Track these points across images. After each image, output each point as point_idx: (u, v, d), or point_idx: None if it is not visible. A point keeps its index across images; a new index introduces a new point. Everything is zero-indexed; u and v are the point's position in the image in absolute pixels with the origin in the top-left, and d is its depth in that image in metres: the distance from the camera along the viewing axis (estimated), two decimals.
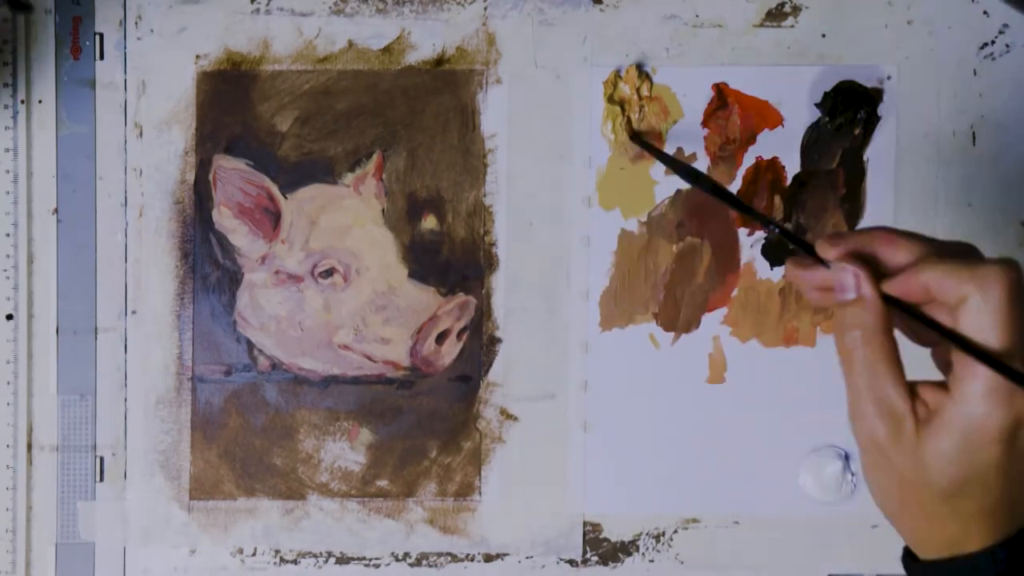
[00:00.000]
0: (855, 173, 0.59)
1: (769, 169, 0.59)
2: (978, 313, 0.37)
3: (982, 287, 0.37)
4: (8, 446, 0.59)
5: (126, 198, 0.60)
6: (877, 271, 0.39)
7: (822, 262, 0.40)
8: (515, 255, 0.60)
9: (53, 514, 0.59)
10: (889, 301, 0.39)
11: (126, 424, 0.59)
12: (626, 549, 0.60)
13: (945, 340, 0.38)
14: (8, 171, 0.59)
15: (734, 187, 0.59)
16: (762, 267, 0.60)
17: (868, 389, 0.39)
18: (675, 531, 0.60)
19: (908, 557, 0.41)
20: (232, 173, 0.60)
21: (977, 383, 0.36)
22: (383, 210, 0.59)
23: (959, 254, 0.39)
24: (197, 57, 0.59)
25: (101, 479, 0.59)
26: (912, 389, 0.39)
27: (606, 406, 0.59)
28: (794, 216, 0.59)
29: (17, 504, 0.59)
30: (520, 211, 0.60)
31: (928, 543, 0.40)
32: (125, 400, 0.59)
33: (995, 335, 0.36)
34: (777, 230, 0.43)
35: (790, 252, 0.59)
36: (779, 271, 0.60)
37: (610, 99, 0.59)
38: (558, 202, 0.60)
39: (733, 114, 0.59)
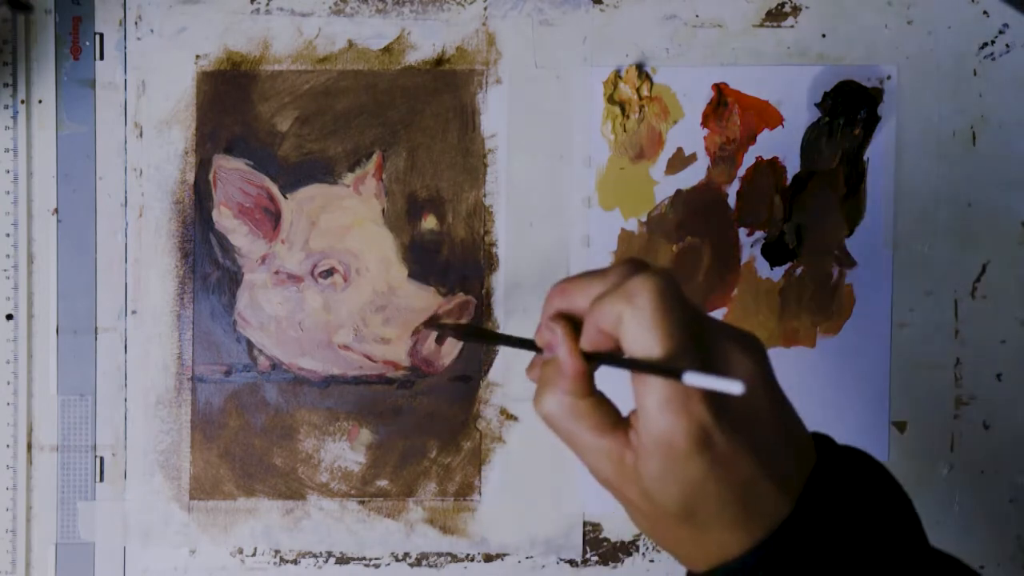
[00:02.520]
0: (855, 173, 0.59)
1: (769, 169, 0.59)
2: (632, 327, 0.36)
3: (631, 302, 0.37)
4: (8, 446, 0.59)
5: (126, 198, 0.60)
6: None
7: (535, 348, 0.41)
8: (515, 255, 0.60)
9: (53, 514, 0.59)
10: (587, 356, 0.39)
11: (126, 424, 0.59)
12: (626, 549, 0.60)
13: (631, 369, 0.37)
14: (8, 171, 0.59)
15: (734, 187, 0.59)
16: (762, 267, 0.60)
17: (578, 445, 0.39)
18: None
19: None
20: (232, 173, 0.60)
21: (651, 398, 0.36)
22: (383, 210, 0.59)
23: (625, 276, 0.38)
24: (197, 57, 0.59)
25: (101, 479, 0.59)
26: (628, 421, 0.38)
27: None
28: (794, 216, 0.59)
29: (17, 504, 0.59)
30: (520, 211, 0.60)
31: (696, 560, 0.39)
32: (125, 400, 0.60)
33: (654, 342, 0.36)
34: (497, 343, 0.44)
35: (791, 251, 0.59)
36: (779, 271, 0.60)
37: (610, 99, 0.59)
38: (558, 202, 0.60)
39: (733, 114, 0.59)
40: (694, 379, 0.35)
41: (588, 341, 0.39)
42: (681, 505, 0.37)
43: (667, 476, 0.37)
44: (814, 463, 0.39)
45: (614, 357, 0.38)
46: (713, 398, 0.36)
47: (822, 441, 0.40)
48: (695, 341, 0.37)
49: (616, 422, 0.38)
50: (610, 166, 0.59)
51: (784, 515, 0.37)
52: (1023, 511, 0.60)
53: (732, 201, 0.59)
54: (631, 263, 0.39)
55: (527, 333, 0.59)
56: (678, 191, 0.60)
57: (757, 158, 0.59)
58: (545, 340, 0.40)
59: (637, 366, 0.37)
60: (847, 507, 0.38)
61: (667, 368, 0.36)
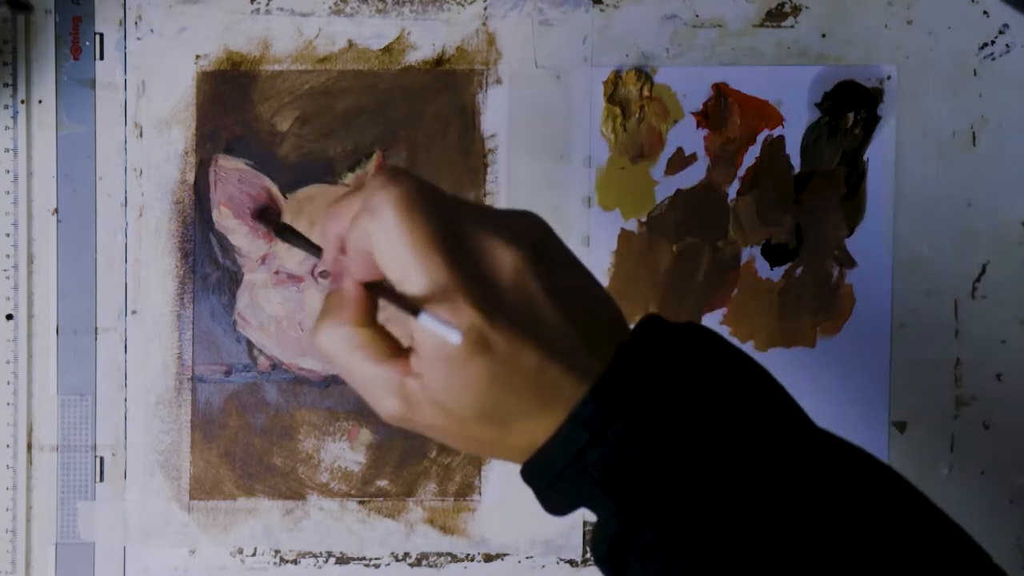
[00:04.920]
0: (855, 173, 0.59)
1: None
2: (380, 244, 0.35)
3: (373, 216, 0.35)
4: (8, 446, 0.59)
5: (126, 198, 0.60)
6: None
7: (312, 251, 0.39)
8: None
9: (53, 514, 0.59)
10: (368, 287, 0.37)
11: (126, 424, 0.59)
12: None
13: (396, 306, 0.36)
14: (8, 171, 0.59)
15: (734, 187, 0.59)
16: (762, 267, 0.60)
17: (357, 378, 0.38)
18: None
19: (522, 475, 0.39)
20: (232, 173, 0.60)
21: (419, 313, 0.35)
22: None
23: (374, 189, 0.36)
24: (197, 57, 0.59)
25: (101, 479, 0.59)
26: (399, 346, 0.37)
27: None
28: (794, 217, 0.59)
29: (17, 504, 0.59)
30: None
31: (514, 455, 0.38)
32: (125, 400, 0.60)
33: (404, 257, 0.35)
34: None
35: (791, 252, 0.59)
36: (779, 271, 0.60)
37: (610, 99, 0.59)
38: (558, 202, 0.60)
39: (733, 114, 0.59)
40: (426, 322, 0.34)
41: (355, 266, 0.37)
42: (476, 408, 0.36)
43: (453, 385, 0.36)
44: (625, 339, 0.38)
45: (383, 287, 0.36)
46: (484, 297, 0.35)
47: (648, 322, 0.38)
48: (456, 246, 0.35)
49: (396, 351, 0.37)
50: (610, 166, 0.59)
51: (581, 394, 0.36)
52: (1023, 511, 0.60)
53: (732, 201, 0.59)
54: (382, 173, 0.36)
55: None
56: (678, 191, 0.60)
57: (757, 158, 0.59)
58: (329, 268, 0.38)
59: (390, 296, 0.35)
60: (658, 376, 0.36)
61: (409, 304, 0.35)
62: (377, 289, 0.37)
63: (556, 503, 0.39)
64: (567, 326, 0.37)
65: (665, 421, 0.36)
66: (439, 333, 0.34)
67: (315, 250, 0.41)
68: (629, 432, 0.36)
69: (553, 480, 0.37)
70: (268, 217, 0.47)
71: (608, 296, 0.39)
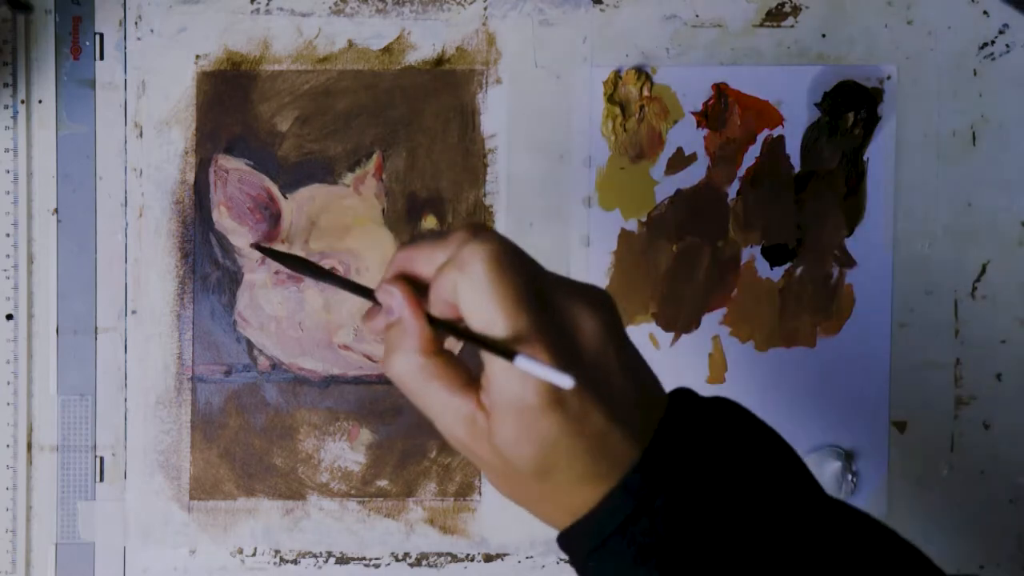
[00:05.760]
0: (855, 173, 0.59)
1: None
2: (468, 297, 0.36)
3: (463, 271, 0.36)
4: (8, 446, 0.59)
5: (126, 198, 0.60)
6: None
7: (372, 298, 0.40)
8: None
9: (53, 514, 0.59)
10: (432, 320, 0.38)
11: (126, 424, 0.59)
12: None
13: (477, 346, 0.37)
14: (8, 171, 0.59)
15: (734, 187, 0.59)
16: (762, 267, 0.60)
17: (429, 405, 0.38)
18: None
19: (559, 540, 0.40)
20: (232, 173, 0.60)
21: (499, 362, 0.36)
22: (383, 210, 0.59)
23: (462, 242, 0.37)
24: (197, 57, 0.59)
25: (101, 479, 0.59)
26: (479, 382, 0.38)
27: None
28: (794, 217, 0.59)
29: (17, 504, 0.59)
30: (520, 211, 0.60)
31: (555, 517, 0.39)
32: (125, 400, 0.60)
33: (490, 311, 0.36)
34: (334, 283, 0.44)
35: (791, 252, 0.59)
36: (779, 271, 0.60)
37: (610, 99, 0.59)
38: (558, 202, 0.60)
39: (733, 114, 0.59)
40: (525, 364, 0.35)
41: (434, 310, 0.38)
42: (535, 464, 0.37)
43: (520, 436, 0.36)
44: (663, 413, 0.39)
45: (456, 328, 0.38)
46: (562, 355, 0.36)
47: (681, 395, 0.40)
48: (538, 304, 0.36)
49: (467, 382, 0.38)
50: (610, 166, 0.60)
51: (633, 462, 0.37)
52: (1023, 511, 0.60)
53: (732, 201, 0.60)
54: (468, 228, 0.38)
55: None
56: (678, 191, 0.60)
57: (757, 158, 0.59)
58: (386, 303, 0.39)
59: (476, 340, 0.36)
60: (696, 451, 0.38)
61: (501, 348, 0.35)
62: (448, 326, 0.38)
63: (594, 571, 0.39)
64: (632, 396, 0.38)
65: (702, 495, 0.37)
66: (542, 375, 0.35)
67: (358, 290, 0.42)
68: (671, 505, 0.37)
69: (597, 546, 0.38)
70: (306, 265, 0.48)
71: (654, 375, 0.40)
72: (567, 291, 0.38)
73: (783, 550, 0.38)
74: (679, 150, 0.59)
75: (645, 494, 0.37)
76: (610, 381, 0.37)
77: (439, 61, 0.59)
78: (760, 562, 0.37)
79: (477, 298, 0.36)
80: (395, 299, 0.38)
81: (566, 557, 0.40)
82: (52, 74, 0.59)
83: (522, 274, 0.37)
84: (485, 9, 0.59)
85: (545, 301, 0.37)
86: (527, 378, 0.35)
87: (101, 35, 0.59)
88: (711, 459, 0.38)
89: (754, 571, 0.37)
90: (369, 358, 0.59)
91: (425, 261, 0.39)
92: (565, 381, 0.35)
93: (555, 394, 0.36)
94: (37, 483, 0.59)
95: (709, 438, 0.38)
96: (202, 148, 0.59)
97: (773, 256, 0.60)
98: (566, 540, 0.39)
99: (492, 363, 0.36)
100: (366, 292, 0.41)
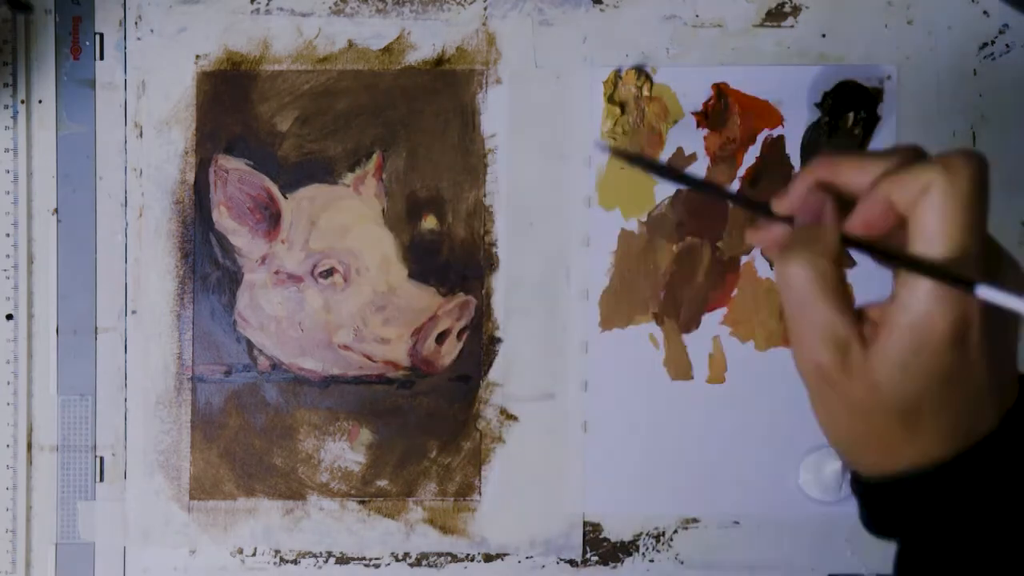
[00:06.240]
0: None
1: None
2: (939, 203, 0.34)
3: (948, 173, 0.34)
4: (8, 446, 0.59)
5: (126, 198, 0.60)
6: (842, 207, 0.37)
7: (783, 218, 0.38)
8: (515, 255, 0.60)
9: (53, 514, 0.59)
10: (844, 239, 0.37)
11: (126, 424, 0.59)
12: (626, 549, 0.60)
13: (900, 267, 0.35)
14: (8, 171, 0.59)
15: (734, 187, 0.59)
16: (762, 267, 0.60)
17: (810, 317, 0.37)
18: (675, 531, 0.60)
19: (856, 481, 0.39)
20: (232, 173, 0.60)
21: (923, 281, 0.34)
22: (383, 210, 0.59)
23: (913, 157, 0.36)
24: (197, 57, 0.59)
25: (101, 479, 0.59)
26: (859, 314, 0.37)
27: (606, 406, 0.59)
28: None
29: (17, 504, 0.59)
30: (520, 211, 0.60)
31: (883, 462, 0.37)
32: (125, 400, 0.60)
33: (956, 230, 0.34)
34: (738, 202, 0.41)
35: None
36: None
37: (610, 99, 0.59)
38: (558, 202, 0.60)
39: (733, 114, 0.59)
40: (988, 293, 0.33)
41: (861, 219, 0.36)
42: (912, 401, 0.35)
43: (910, 366, 0.35)
44: (1015, 399, 0.37)
45: (886, 248, 0.36)
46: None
47: None
48: (986, 243, 0.35)
49: (853, 308, 0.36)
50: (610, 166, 0.59)
51: (985, 432, 0.36)
52: None
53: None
54: (913, 148, 0.36)
55: (530, 333, 0.59)
56: (678, 191, 0.60)
57: (757, 158, 0.59)
58: (808, 206, 0.38)
59: (914, 265, 0.34)
60: None
61: (955, 274, 0.33)
62: (873, 246, 0.36)
63: (898, 519, 0.38)
64: (1012, 366, 0.37)
65: None
66: (1008, 304, 0.33)
67: (748, 203, 0.40)
68: (1001, 496, 0.36)
69: (928, 497, 0.36)
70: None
71: (1016, 362, 0.39)
72: (1001, 247, 0.37)
73: None
74: (679, 150, 0.59)
75: (986, 466, 0.35)
76: (1004, 343, 0.36)
77: (439, 61, 0.59)
78: None
79: (950, 208, 0.34)
80: (826, 204, 0.37)
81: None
82: (52, 74, 0.59)
83: (986, 208, 0.35)
84: (485, 9, 0.59)
85: (990, 244, 0.36)
86: (944, 305, 0.34)
87: (101, 35, 0.59)
88: None
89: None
90: (369, 358, 0.59)
91: (856, 171, 0.37)
92: None
93: (963, 331, 0.34)
94: (37, 483, 0.59)
95: None
96: (202, 148, 0.59)
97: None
98: (872, 489, 0.38)
99: (904, 285, 0.34)
100: (759, 206, 0.39)
